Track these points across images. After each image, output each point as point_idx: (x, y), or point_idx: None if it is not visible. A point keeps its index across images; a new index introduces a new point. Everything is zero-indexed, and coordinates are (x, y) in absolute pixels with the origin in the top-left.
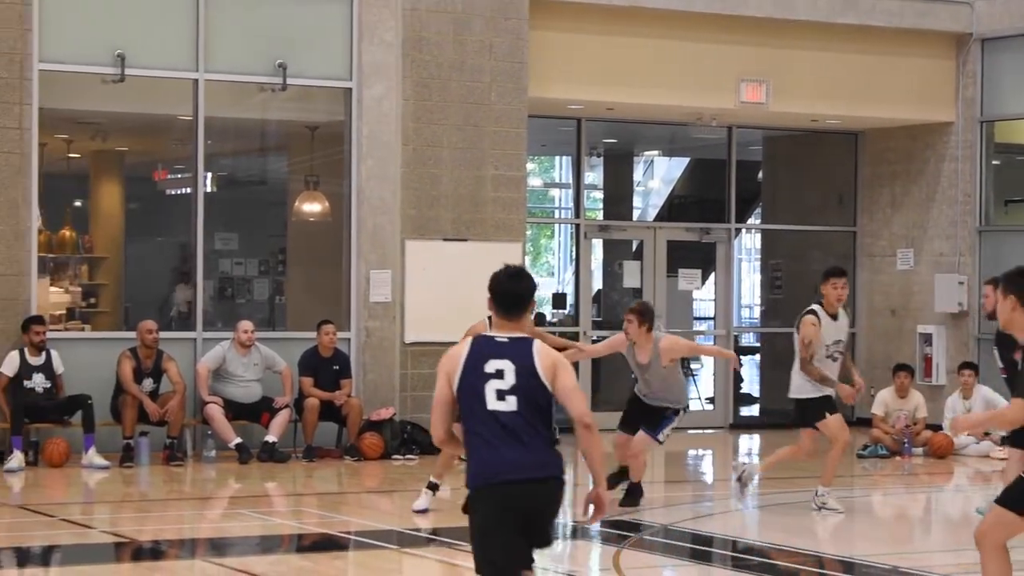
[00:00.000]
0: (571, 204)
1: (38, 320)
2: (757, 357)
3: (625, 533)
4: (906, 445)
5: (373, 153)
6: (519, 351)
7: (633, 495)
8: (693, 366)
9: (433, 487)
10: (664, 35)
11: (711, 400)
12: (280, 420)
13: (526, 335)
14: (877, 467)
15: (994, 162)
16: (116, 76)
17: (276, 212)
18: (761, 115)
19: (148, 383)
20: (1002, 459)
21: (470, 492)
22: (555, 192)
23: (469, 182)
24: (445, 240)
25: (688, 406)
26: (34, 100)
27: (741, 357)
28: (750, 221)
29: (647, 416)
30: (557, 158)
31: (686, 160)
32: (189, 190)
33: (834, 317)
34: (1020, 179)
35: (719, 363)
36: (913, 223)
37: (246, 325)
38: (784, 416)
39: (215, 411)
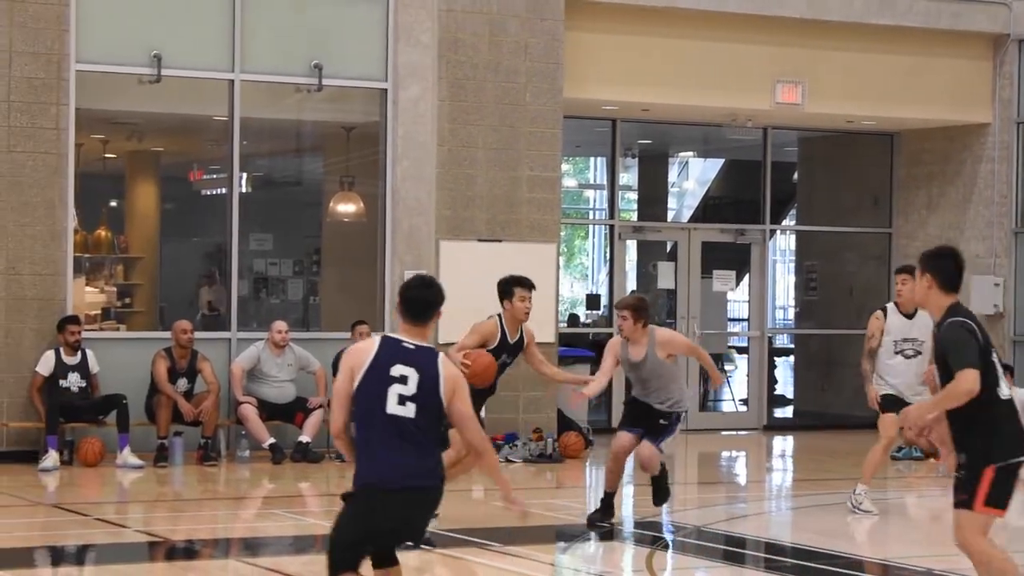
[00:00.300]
0: (605, 205)
1: (74, 320)
2: (791, 359)
3: (658, 535)
4: None
5: (408, 154)
6: (426, 361)
7: (661, 491)
8: (727, 367)
9: None
10: (699, 36)
11: (744, 402)
12: (314, 420)
13: (430, 345)
14: (911, 469)
15: None
16: (152, 77)
17: (311, 213)
18: (796, 116)
19: (182, 383)
20: None
21: (355, 487)
22: (590, 193)
23: (504, 183)
24: (480, 241)
25: (687, 409)
26: (71, 100)
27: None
28: (785, 222)
29: (648, 418)
30: (592, 159)
31: (721, 161)
32: (224, 190)
33: (908, 316)
34: None
35: (753, 363)
36: (949, 225)
37: (280, 325)
38: (817, 418)
39: (249, 411)
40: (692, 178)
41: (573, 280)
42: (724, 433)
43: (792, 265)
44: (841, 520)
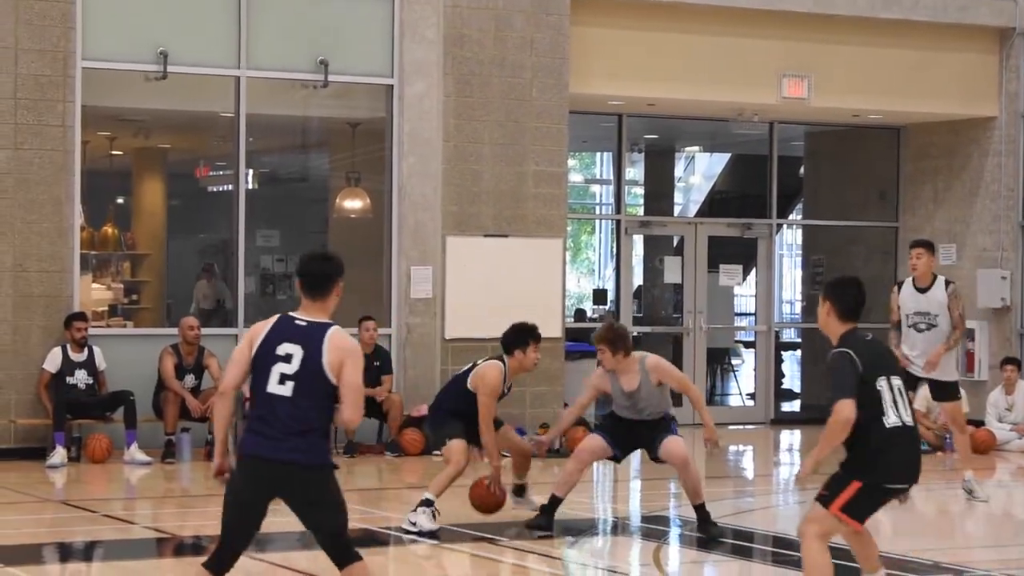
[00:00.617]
0: (612, 200)
1: (80, 317)
2: (798, 353)
3: (665, 529)
4: (948, 440)
5: (414, 150)
6: (312, 337)
7: (710, 527)
8: (734, 361)
9: (428, 503)
10: (705, 30)
11: (752, 396)
12: None
13: (327, 320)
14: None
15: None
16: (159, 73)
17: (317, 209)
18: (803, 110)
19: (190, 379)
20: None
21: (237, 458)
22: (596, 188)
23: (510, 178)
24: (486, 236)
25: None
26: (77, 97)
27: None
28: (791, 217)
29: (643, 432)
30: (598, 154)
31: (727, 156)
32: (231, 187)
33: (922, 290)
34: None
35: (760, 358)
36: (955, 218)
37: None
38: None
39: None
40: (698, 173)
41: (580, 275)
42: (731, 427)
43: (799, 259)
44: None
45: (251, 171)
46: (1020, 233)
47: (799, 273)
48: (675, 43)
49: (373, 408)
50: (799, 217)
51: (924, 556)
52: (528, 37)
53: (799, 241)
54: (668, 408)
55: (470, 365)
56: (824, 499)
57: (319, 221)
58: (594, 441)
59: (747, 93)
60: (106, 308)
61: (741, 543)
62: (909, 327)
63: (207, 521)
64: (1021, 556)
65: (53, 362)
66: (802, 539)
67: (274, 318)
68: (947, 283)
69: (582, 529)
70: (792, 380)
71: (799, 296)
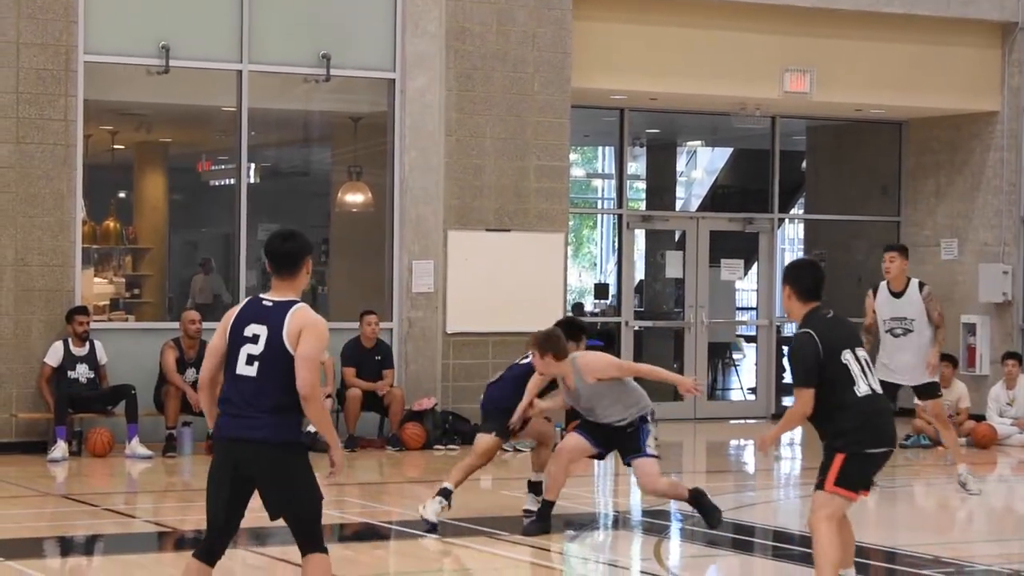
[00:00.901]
0: (614, 194)
1: (82, 311)
2: None
3: (666, 523)
4: None
5: (416, 144)
6: (277, 315)
7: (709, 513)
8: (735, 356)
9: (446, 493)
10: (707, 24)
11: (753, 390)
12: None
13: (293, 299)
14: (919, 457)
15: None
16: (160, 67)
17: (319, 203)
18: (805, 105)
19: (191, 373)
20: None
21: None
22: (598, 182)
23: (512, 172)
24: (488, 230)
25: (654, 410)
26: (79, 92)
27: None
28: (793, 211)
29: (616, 437)
30: (600, 148)
31: (729, 150)
32: (233, 181)
33: (897, 294)
34: None
35: (761, 352)
36: (957, 213)
37: None
38: None
39: None
40: (700, 167)
41: (581, 269)
42: (732, 422)
43: (801, 254)
44: (849, 508)
45: (253, 165)
46: (1022, 228)
47: None
48: (677, 37)
49: (374, 402)
50: (801, 212)
51: (925, 550)
52: (530, 31)
53: (801, 236)
54: (634, 409)
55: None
56: (819, 484)
57: (321, 215)
58: (573, 440)
59: (749, 87)
60: (107, 302)
61: (742, 537)
62: (886, 332)
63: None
64: (1022, 550)
65: (54, 356)
66: (812, 527)
67: (244, 301)
68: (921, 285)
69: (583, 523)
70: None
71: None
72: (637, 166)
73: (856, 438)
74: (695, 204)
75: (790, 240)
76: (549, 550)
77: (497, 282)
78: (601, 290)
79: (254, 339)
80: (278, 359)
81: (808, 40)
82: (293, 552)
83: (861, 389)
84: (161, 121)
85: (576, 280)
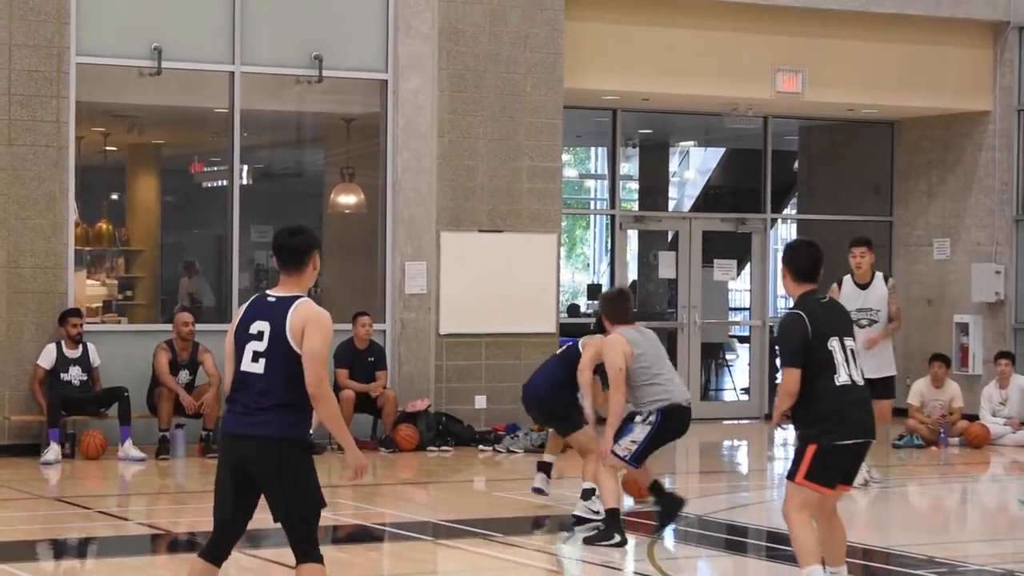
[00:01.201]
0: (606, 195)
1: (75, 313)
2: None
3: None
4: (942, 435)
5: (409, 145)
6: (280, 311)
7: (665, 506)
8: (728, 356)
9: (545, 467)
10: (699, 25)
11: (746, 391)
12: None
13: (297, 293)
14: (913, 457)
15: None
16: (153, 69)
17: (312, 204)
18: (797, 105)
19: (184, 375)
20: None
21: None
22: (591, 183)
23: (505, 173)
24: (481, 231)
25: (653, 411)
26: (71, 93)
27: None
28: (786, 211)
29: None
30: (593, 149)
31: (721, 150)
32: (225, 183)
33: (862, 287)
34: None
35: (754, 353)
36: (950, 212)
37: None
38: None
39: None
40: (693, 167)
41: (574, 270)
42: (725, 422)
43: None
44: (842, 508)
45: (245, 167)
46: (1014, 227)
47: None
48: (669, 38)
49: (367, 404)
50: (793, 212)
51: (918, 551)
52: (523, 32)
53: (793, 235)
54: (639, 406)
55: (568, 345)
56: (791, 474)
57: (314, 216)
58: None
59: (741, 87)
60: (100, 304)
61: (735, 538)
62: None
63: (201, 517)
64: (1016, 550)
65: (47, 358)
66: (785, 517)
67: (252, 298)
68: (886, 278)
69: (577, 525)
70: None
71: None
72: (630, 167)
73: (828, 427)
74: (688, 204)
75: (783, 240)
76: (543, 552)
77: (490, 283)
78: (594, 291)
79: (259, 336)
80: (283, 355)
81: (800, 40)
82: (287, 555)
83: (840, 378)
84: (153, 123)
85: (569, 281)
